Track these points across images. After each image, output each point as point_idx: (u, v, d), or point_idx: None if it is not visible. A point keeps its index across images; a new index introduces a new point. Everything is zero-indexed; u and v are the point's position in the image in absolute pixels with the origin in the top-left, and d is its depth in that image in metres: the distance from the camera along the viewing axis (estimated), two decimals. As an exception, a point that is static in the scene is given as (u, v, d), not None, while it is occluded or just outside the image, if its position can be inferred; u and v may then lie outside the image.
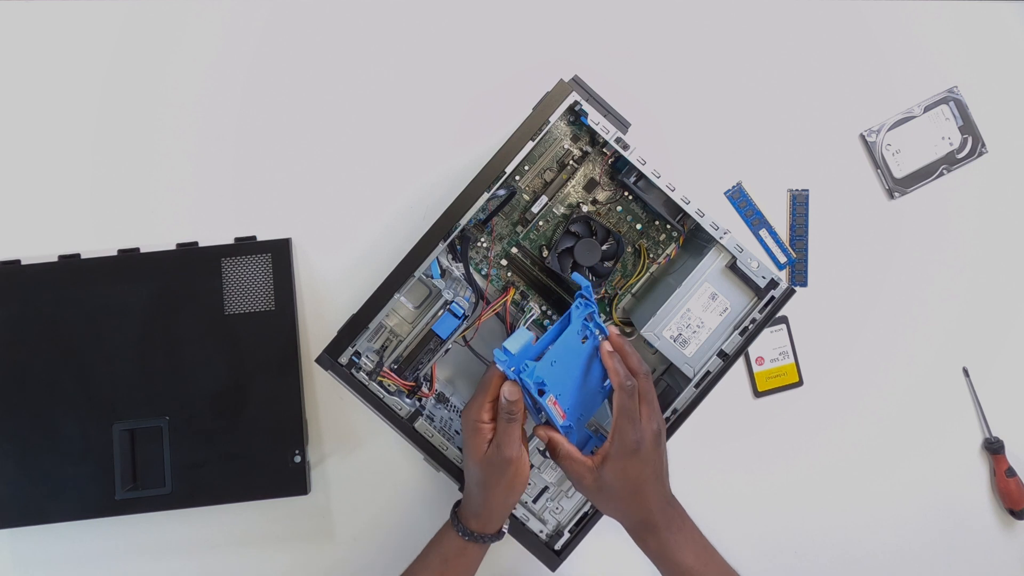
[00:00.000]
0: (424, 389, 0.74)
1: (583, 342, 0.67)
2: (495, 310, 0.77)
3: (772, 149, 0.85)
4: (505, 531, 0.70)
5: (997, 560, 0.88)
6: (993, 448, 0.86)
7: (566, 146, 0.76)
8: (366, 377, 0.71)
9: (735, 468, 0.86)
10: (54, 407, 0.77)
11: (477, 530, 0.68)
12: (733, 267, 0.71)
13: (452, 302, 0.71)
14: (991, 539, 0.88)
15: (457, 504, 0.71)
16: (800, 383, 0.85)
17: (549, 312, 0.79)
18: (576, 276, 0.69)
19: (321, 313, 0.82)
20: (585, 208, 0.77)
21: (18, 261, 0.79)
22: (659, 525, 0.66)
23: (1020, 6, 0.87)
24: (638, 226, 0.78)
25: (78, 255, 0.79)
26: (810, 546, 0.86)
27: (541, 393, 0.65)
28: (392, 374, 0.72)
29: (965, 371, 0.87)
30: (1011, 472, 0.86)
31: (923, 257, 0.87)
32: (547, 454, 0.71)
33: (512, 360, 0.64)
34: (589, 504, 0.73)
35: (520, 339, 0.65)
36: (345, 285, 0.82)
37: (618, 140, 0.70)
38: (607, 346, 0.67)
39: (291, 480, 0.78)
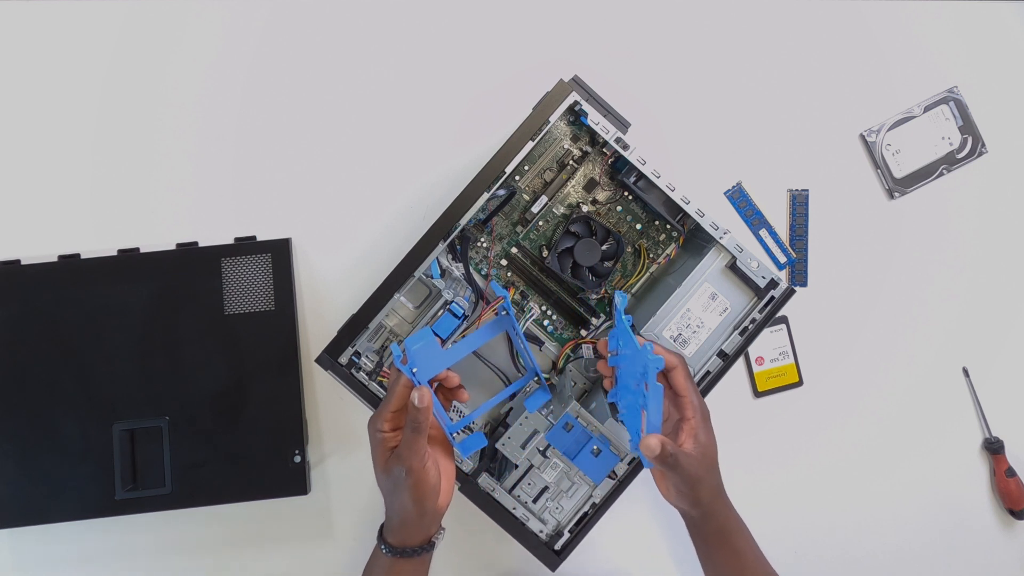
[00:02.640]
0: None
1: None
2: (495, 310, 0.77)
3: (772, 149, 0.85)
4: (436, 541, 0.67)
5: (997, 560, 0.88)
6: (993, 448, 0.86)
7: (566, 146, 0.76)
8: (366, 377, 0.71)
9: (735, 468, 0.86)
10: (54, 407, 0.77)
11: (397, 544, 0.65)
12: (733, 267, 0.71)
13: (452, 302, 0.71)
14: (991, 539, 0.88)
15: (383, 526, 0.69)
16: (800, 383, 0.85)
17: (549, 312, 0.79)
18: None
19: (321, 313, 0.82)
20: (585, 208, 0.77)
21: (18, 261, 0.79)
22: (726, 497, 0.69)
23: (1020, 6, 0.87)
24: (638, 226, 0.78)
25: (78, 255, 0.79)
26: (810, 546, 0.86)
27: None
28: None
29: (965, 371, 0.87)
30: (1011, 472, 0.86)
31: (923, 257, 0.87)
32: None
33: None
34: (589, 504, 0.73)
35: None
36: (345, 285, 0.82)
37: (618, 140, 0.70)
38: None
39: (291, 480, 0.78)
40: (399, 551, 0.65)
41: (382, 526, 0.68)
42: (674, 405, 0.66)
